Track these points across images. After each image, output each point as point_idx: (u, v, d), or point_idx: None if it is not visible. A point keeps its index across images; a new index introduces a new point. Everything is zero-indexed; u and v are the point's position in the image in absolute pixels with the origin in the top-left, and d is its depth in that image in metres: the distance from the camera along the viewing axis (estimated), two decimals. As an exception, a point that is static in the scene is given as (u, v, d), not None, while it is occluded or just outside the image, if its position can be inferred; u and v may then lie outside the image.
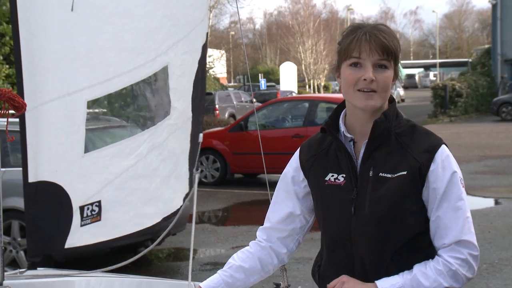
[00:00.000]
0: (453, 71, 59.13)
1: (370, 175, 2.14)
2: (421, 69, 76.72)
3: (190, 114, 3.08)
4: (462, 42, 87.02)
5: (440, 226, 2.11)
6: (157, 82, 3.06)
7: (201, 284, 2.34)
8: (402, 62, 78.99)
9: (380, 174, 2.13)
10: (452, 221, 2.10)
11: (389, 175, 2.12)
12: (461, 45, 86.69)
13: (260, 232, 2.40)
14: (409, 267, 2.12)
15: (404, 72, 71.48)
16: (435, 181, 2.10)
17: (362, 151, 2.18)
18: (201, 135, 2.99)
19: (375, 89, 2.11)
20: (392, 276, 2.10)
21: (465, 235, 2.11)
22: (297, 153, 2.36)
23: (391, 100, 2.22)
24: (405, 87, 58.24)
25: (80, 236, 3.00)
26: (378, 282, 2.09)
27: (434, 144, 2.14)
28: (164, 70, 3.00)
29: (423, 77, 71.14)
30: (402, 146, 2.14)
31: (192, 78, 3.06)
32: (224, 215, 11.53)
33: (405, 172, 2.10)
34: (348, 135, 2.20)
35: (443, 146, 2.15)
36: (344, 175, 2.19)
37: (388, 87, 2.13)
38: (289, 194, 2.34)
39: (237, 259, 2.37)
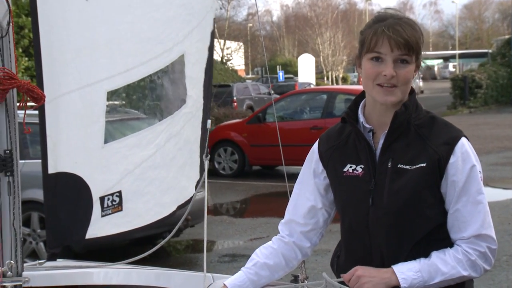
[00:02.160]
0: (472, 62, 58.60)
1: (389, 166, 2.13)
2: (440, 60, 76.12)
3: (202, 101, 3.09)
4: (482, 32, 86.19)
5: (459, 219, 2.10)
6: (174, 71, 3.06)
7: (225, 282, 2.33)
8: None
9: (399, 165, 2.12)
10: (472, 215, 2.09)
11: (408, 167, 2.11)
12: (481, 35, 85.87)
13: (282, 227, 2.39)
14: None
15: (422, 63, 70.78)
16: (455, 174, 2.09)
17: (381, 142, 2.17)
18: (209, 121, 3.00)
19: (396, 84, 2.10)
20: (409, 261, 2.09)
21: (485, 229, 2.10)
22: (315, 145, 2.35)
23: (412, 91, 2.20)
24: (424, 79, 57.87)
25: (101, 226, 3.01)
26: (395, 267, 2.08)
27: (454, 136, 2.12)
28: (181, 59, 3.01)
29: (443, 68, 70.56)
30: (422, 137, 2.13)
31: (203, 66, 3.08)
32: (242, 207, 11.54)
33: (424, 164, 2.09)
34: (367, 126, 2.19)
35: (463, 138, 2.13)
36: (362, 166, 2.18)
37: (409, 81, 2.12)
38: (310, 187, 2.33)
39: (261, 255, 2.35)
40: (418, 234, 2.11)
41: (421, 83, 49.71)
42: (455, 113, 29.43)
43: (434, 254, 2.09)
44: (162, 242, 2.97)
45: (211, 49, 3.09)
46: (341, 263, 2.27)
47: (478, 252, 2.09)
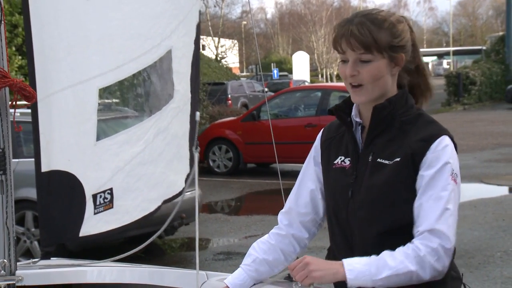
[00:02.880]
0: (466, 59, 58.73)
1: (369, 160, 2.15)
2: (435, 57, 76.25)
3: (190, 95, 3.09)
4: (476, 29, 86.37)
5: (420, 214, 2.06)
6: (162, 67, 3.06)
7: (226, 281, 2.32)
8: (415, 50, 77.99)
9: (378, 160, 2.13)
10: (431, 210, 2.04)
11: (386, 162, 2.11)
12: (475, 32, 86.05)
13: (282, 216, 2.39)
14: None
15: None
16: (426, 169, 2.07)
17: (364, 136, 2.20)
18: (197, 113, 2.99)
19: (361, 83, 2.12)
20: (362, 257, 2.06)
21: (439, 224, 2.02)
22: (318, 135, 2.38)
23: (402, 86, 2.20)
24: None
25: (94, 224, 3.00)
26: (345, 260, 2.06)
27: (434, 134, 2.10)
28: (168, 54, 3.01)
29: (437, 65, 70.75)
30: (404, 133, 2.13)
31: (190, 60, 3.07)
32: (237, 205, 11.55)
33: (398, 159, 2.09)
34: (357, 120, 2.21)
35: (445, 137, 2.10)
36: (349, 159, 2.21)
37: (375, 77, 2.11)
38: (310, 175, 2.34)
39: (260, 251, 2.34)
40: (388, 226, 2.09)
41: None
42: (449, 110, 29.50)
43: (386, 251, 2.06)
44: (152, 238, 2.96)
45: (197, 42, 3.09)
46: (332, 259, 2.25)
47: (429, 248, 2.01)
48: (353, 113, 2.22)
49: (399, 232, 2.10)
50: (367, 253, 2.09)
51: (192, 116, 3.08)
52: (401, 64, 2.15)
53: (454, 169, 2.07)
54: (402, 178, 2.09)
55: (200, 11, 3.11)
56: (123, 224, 3.05)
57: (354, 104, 2.23)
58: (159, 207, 3.09)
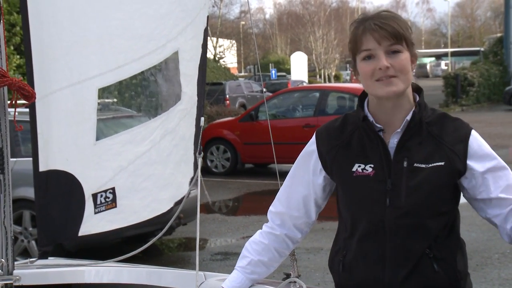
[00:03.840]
0: (465, 60, 58.76)
1: (405, 165, 2.11)
2: (433, 59, 76.28)
3: (196, 98, 3.08)
4: (474, 31, 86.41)
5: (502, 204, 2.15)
6: (168, 68, 3.05)
7: (223, 284, 2.32)
8: (413, 51, 77.99)
9: (415, 164, 2.11)
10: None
11: (423, 165, 2.10)
12: (473, 34, 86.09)
13: (272, 216, 2.36)
14: (445, 254, 2.13)
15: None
16: (479, 166, 2.12)
17: (393, 141, 2.15)
18: (202, 118, 3.00)
19: (394, 74, 2.09)
20: None
21: None
22: (313, 141, 2.29)
23: (420, 90, 2.22)
24: (416, 77, 57.95)
25: (95, 223, 3.00)
26: None
27: (465, 132, 2.15)
28: (175, 55, 3.00)
29: (435, 66, 70.76)
30: (433, 136, 2.14)
31: (197, 63, 3.06)
32: (235, 205, 11.54)
33: (442, 163, 2.10)
34: (378, 125, 2.17)
35: (472, 131, 2.16)
36: (372, 165, 2.15)
37: (407, 69, 2.10)
38: (304, 181, 2.30)
39: (254, 252, 2.33)
40: (435, 232, 2.11)
41: (413, 81, 49.71)
42: (447, 111, 29.25)
43: None
44: (153, 240, 2.97)
45: (204, 46, 3.08)
46: (347, 263, 2.21)
47: None
48: (371, 118, 2.18)
49: (443, 235, 2.13)
50: (403, 261, 2.10)
51: (197, 120, 3.08)
52: (415, 62, 2.16)
53: (494, 153, 2.19)
54: (446, 182, 2.11)
55: (208, 16, 3.10)
56: (130, 224, 3.04)
57: (367, 110, 2.20)
58: (171, 209, 3.08)
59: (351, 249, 2.21)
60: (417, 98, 2.20)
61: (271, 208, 2.39)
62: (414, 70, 2.16)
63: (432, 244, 2.11)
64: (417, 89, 2.22)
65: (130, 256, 2.97)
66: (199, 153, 2.85)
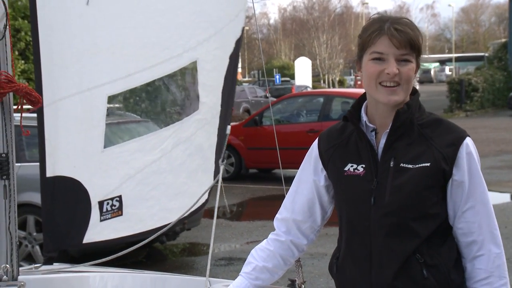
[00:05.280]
0: (469, 66, 58.68)
1: (391, 165, 2.12)
2: (437, 64, 76.21)
3: (219, 108, 3.06)
4: (479, 36, 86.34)
5: (469, 226, 2.13)
6: (184, 77, 3.05)
7: None
8: (417, 56, 77.95)
9: (401, 164, 2.11)
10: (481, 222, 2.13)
11: (410, 166, 2.10)
12: (477, 39, 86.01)
13: (278, 223, 2.37)
14: (438, 262, 2.10)
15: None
16: (461, 175, 2.10)
17: (382, 141, 2.17)
18: (229, 127, 2.99)
19: (399, 82, 2.10)
20: None
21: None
22: (315, 143, 2.34)
23: (414, 91, 2.20)
24: (421, 82, 57.92)
25: (99, 231, 3.00)
26: None
27: (459, 136, 2.12)
28: (193, 65, 2.99)
29: (439, 72, 70.66)
30: (425, 137, 2.13)
31: (223, 73, 3.04)
32: (239, 210, 11.53)
33: (427, 164, 2.09)
34: (371, 125, 2.19)
35: (468, 138, 2.14)
36: (363, 166, 2.17)
37: (411, 79, 2.12)
38: (308, 184, 2.32)
39: (259, 258, 2.34)
40: (421, 235, 2.10)
41: (417, 86, 49.76)
42: (451, 117, 29.46)
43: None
44: (141, 243, 2.94)
45: (233, 56, 3.05)
46: (340, 265, 2.26)
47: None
48: (364, 118, 2.20)
49: (435, 239, 2.12)
50: (388, 261, 2.10)
51: (221, 129, 3.06)
52: (417, 71, 2.17)
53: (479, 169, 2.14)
54: (430, 183, 2.09)
55: (243, 28, 3.08)
56: (136, 232, 3.03)
57: (363, 110, 2.22)
58: (184, 219, 3.06)
59: (342, 249, 2.26)
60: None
61: (277, 215, 2.40)
62: (418, 77, 2.18)
63: (422, 249, 2.09)
64: (413, 91, 2.21)
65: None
66: (222, 161, 2.86)
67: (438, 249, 2.11)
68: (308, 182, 2.32)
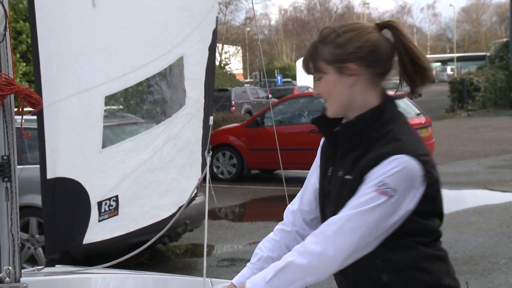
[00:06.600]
0: (470, 65, 58.65)
1: (339, 175, 2.15)
2: (438, 64, 76.19)
3: (203, 101, 3.08)
4: (480, 35, 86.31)
5: None
6: (172, 74, 3.06)
7: (233, 281, 2.32)
8: (419, 56, 77.78)
9: (346, 176, 2.11)
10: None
11: (349, 177, 2.10)
12: (478, 39, 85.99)
13: (287, 213, 2.39)
14: (398, 267, 2.08)
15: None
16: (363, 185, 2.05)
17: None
18: (211, 117, 3.01)
19: (325, 98, 2.17)
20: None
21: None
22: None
23: (379, 102, 2.14)
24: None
25: (98, 231, 3.00)
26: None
27: (388, 151, 2.02)
28: (180, 61, 3.01)
29: (440, 72, 70.61)
30: (369, 151, 2.08)
31: (204, 66, 3.07)
32: (241, 211, 11.53)
33: (351, 176, 2.09)
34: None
35: (400, 156, 2.00)
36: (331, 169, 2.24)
37: (329, 93, 2.15)
38: (314, 172, 2.35)
39: (265, 249, 2.35)
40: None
41: (419, 86, 49.61)
42: (453, 116, 29.46)
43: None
44: (144, 246, 2.94)
45: (212, 47, 3.08)
46: None
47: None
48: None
49: (392, 246, 2.08)
50: (346, 272, 2.11)
51: (205, 121, 3.08)
52: (357, 73, 2.11)
53: (388, 183, 1.99)
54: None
55: (217, 17, 3.10)
56: (129, 231, 3.04)
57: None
58: (174, 214, 3.07)
59: None
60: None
61: (289, 205, 2.42)
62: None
63: (381, 253, 2.07)
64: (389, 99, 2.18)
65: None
66: (208, 152, 2.86)
67: (397, 253, 2.08)
68: (314, 172, 2.35)
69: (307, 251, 2.03)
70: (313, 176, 2.35)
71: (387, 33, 2.17)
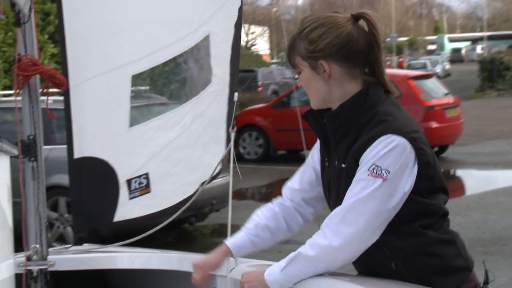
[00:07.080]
0: (501, 44, 57.72)
1: (336, 164, 2.14)
2: (468, 43, 75.14)
3: (228, 78, 3.09)
4: (511, 14, 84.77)
5: None
6: (199, 53, 3.07)
7: (226, 242, 2.34)
8: (448, 35, 77.38)
9: (342, 165, 2.11)
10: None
11: (344, 165, 2.10)
12: (510, 17, 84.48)
13: (286, 190, 2.40)
14: (405, 254, 2.09)
15: (447, 46, 70.03)
16: (358, 170, 2.04)
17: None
18: (236, 94, 3.01)
19: (306, 92, 2.17)
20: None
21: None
22: None
23: (361, 89, 2.11)
24: (451, 61, 57.15)
25: (130, 209, 3.03)
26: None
27: (376, 134, 2.01)
28: (206, 39, 3.01)
29: (470, 51, 69.63)
30: (360, 136, 2.07)
31: (230, 43, 3.07)
32: (268, 191, 11.56)
33: (345, 164, 2.09)
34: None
35: (388, 136, 2.00)
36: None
37: (308, 87, 2.15)
38: (316, 158, 2.33)
39: (262, 217, 2.35)
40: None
41: (448, 66, 49.08)
42: (482, 96, 29.08)
43: None
44: (158, 227, 2.96)
45: (238, 25, 3.08)
46: None
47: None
48: None
49: (398, 233, 2.09)
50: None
51: (230, 97, 3.08)
52: (330, 69, 2.09)
53: (380, 165, 1.98)
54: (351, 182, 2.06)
55: None
56: (163, 208, 3.07)
57: None
58: (197, 190, 3.09)
59: None
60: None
61: (287, 182, 2.42)
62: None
63: (387, 241, 2.07)
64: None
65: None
66: (233, 128, 2.87)
67: (404, 240, 2.08)
68: (315, 154, 2.34)
69: (315, 244, 2.07)
70: (313, 157, 2.34)
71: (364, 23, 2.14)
